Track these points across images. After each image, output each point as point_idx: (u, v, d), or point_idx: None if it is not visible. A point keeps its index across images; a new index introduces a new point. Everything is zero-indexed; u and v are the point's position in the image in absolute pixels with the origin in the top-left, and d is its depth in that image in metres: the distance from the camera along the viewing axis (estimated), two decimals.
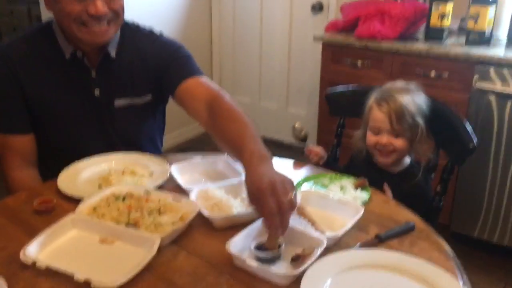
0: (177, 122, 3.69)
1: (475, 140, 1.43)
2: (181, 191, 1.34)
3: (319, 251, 1.05)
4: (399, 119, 1.52)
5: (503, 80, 2.32)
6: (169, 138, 3.76)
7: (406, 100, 1.53)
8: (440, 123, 1.54)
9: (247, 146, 1.17)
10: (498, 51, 2.41)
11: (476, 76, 2.39)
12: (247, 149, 1.15)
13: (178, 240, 1.16)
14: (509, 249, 2.53)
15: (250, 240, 1.12)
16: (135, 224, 1.15)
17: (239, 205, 1.25)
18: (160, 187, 1.38)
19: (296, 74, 3.72)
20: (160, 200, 1.25)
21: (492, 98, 2.35)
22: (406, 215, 1.30)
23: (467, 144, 1.43)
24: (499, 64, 2.33)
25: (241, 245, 1.10)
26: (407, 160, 1.61)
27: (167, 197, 1.26)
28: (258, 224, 1.15)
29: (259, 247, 1.08)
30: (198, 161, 1.51)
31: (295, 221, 1.18)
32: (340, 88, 1.86)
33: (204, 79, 1.53)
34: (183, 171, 1.46)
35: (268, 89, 3.91)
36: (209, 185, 1.34)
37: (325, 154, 1.68)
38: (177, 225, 1.16)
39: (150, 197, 1.26)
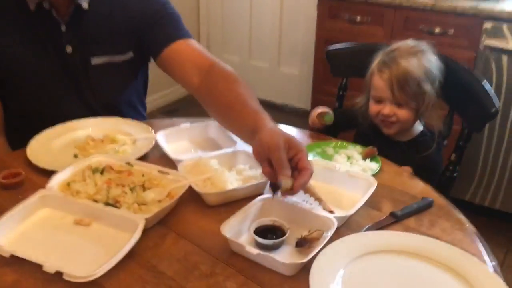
0: (162, 82, 3.47)
1: (497, 104, 1.28)
2: (168, 162, 1.18)
3: (328, 234, 0.91)
4: (402, 87, 1.34)
5: None
6: (152, 100, 3.56)
7: (411, 65, 1.34)
8: (457, 85, 1.38)
9: (257, 105, 1.09)
10: (509, 6, 2.24)
11: (484, 33, 2.23)
12: (258, 107, 1.08)
13: (166, 220, 1.01)
14: (510, 215, 2.44)
15: (248, 221, 0.98)
16: (115, 203, 1.00)
17: (234, 179, 1.10)
18: (144, 158, 1.22)
19: (289, 31, 3.52)
20: (144, 174, 1.09)
21: (501, 57, 2.20)
22: (422, 189, 1.16)
23: (488, 108, 1.28)
24: (510, 19, 2.16)
25: (238, 227, 0.96)
26: (419, 127, 1.45)
27: (153, 170, 1.11)
28: (256, 202, 1.00)
29: (260, 231, 0.94)
30: (187, 126, 1.34)
31: (298, 198, 1.03)
32: (342, 45, 1.68)
33: (194, 43, 1.36)
34: (170, 138, 1.30)
35: (259, 47, 3.71)
36: (200, 155, 1.18)
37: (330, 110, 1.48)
38: (164, 203, 1.01)
39: (132, 169, 1.10)
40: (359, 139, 1.48)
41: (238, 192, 1.06)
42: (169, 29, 1.36)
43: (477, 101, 1.31)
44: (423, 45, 1.40)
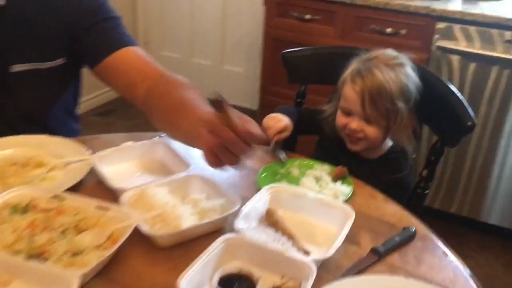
0: (94, 81, 3.20)
1: (473, 117, 1.18)
2: (108, 192, 0.99)
3: (308, 285, 0.76)
4: (374, 103, 1.21)
5: (467, 38, 2.12)
6: (85, 101, 3.27)
7: (387, 79, 1.21)
8: (431, 97, 1.25)
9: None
10: (462, 6, 2.19)
11: (437, 34, 2.17)
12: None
13: (107, 270, 0.82)
14: (458, 217, 2.41)
15: (210, 269, 0.81)
16: (41, 254, 0.80)
17: (189, 213, 0.93)
18: (78, 187, 1.02)
19: (233, 27, 3.35)
20: (78, 211, 0.89)
21: (455, 58, 2.15)
22: (400, 215, 1.04)
23: (463, 121, 1.18)
24: (464, 20, 2.11)
25: (198, 279, 0.79)
26: (389, 143, 1.33)
27: (89, 206, 0.91)
28: (218, 244, 0.84)
29: (224, 281, 0.78)
30: (129, 146, 1.15)
31: (267, 236, 0.88)
32: (301, 49, 1.53)
33: (141, 50, 1.19)
34: (109, 160, 1.10)
35: (201, 43, 3.52)
36: (146, 182, 1.00)
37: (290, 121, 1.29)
38: (105, 250, 0.82)
39: (63, 206, 0.90)
40: (323, 152, 1.34)
41: (196, 230, 0.89)
42: (112, 34, 1.16)
43: (452, 114, 1.21)
44: (403, 57, 1.28)
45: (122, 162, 1.12)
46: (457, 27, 2.13)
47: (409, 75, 1.24)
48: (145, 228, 0.86)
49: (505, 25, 2.06)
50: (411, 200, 1.29)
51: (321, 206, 0.98)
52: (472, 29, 2.10)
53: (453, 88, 1.25)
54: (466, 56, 2.12)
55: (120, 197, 0.94)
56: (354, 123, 1.23)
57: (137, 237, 0.87)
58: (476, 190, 2.31)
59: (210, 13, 3.38)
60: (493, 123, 2.17)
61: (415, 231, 0.96)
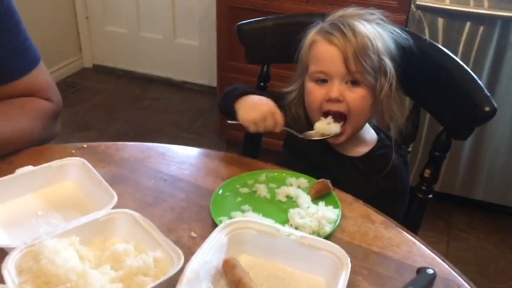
0: None
1: (492, 101, 0.89)
2: None
3: None
4: (359, 56, 0.91)
5: None
6: None
7: (369, 29, 0.94)
8: (434, 75, 0.95)
9: None
10: None
11: None
12: None
13: None
14: (442, 195, 2.18)
15: None
16: None
17: (108, 279, 0.62)
18: None
19: None
20: None
21: (436, 19, 1.87)
22: (409, 246, 0.76)
23: (479, 106, 0.89)
24: None
25: None
26: (373, 134, 1.03)
27: None
28: None
29: None
30: (27, 172, 0.82)
31: None
32: (260, 19, 1.20)
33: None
34: None
35: (149, 15, 3.15)
36: (47, 231, 0.69)
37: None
38: None
39: None
40: (291, 154, 1.04)
41: None
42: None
43: (461, 96, 0.92)
44: (375, 13, 0.98)
45: (17, 197, 0.79)
46: None
47: (387, 28, 0.97)
48: None
49: None
50: (410, 208, 1.01)
51: (301, 248, 0.69)
52: None
53: (460, 61, 0.96)
54: (453, 16, 1.84)
55: (4, 260, 0.63)
56: (334, 90, 0.90)
57: None
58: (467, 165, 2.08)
59: None
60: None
61: (434, 274, 0.69)
